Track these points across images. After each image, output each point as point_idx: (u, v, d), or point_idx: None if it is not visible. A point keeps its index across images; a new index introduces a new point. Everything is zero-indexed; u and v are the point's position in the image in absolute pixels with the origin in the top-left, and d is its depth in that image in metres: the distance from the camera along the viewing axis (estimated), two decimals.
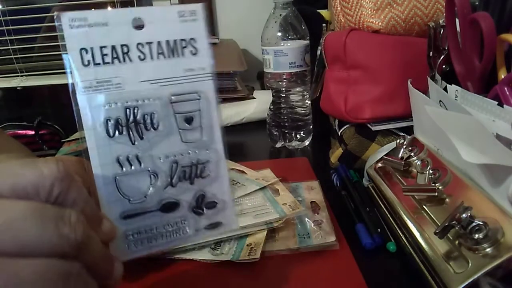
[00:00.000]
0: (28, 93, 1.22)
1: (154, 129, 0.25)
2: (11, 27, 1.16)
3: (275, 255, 0.39)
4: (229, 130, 0.82)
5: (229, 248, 0.39)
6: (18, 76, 1.19)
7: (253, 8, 1.12)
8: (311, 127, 0.69)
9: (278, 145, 0.69)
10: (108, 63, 0.23)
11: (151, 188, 0.25)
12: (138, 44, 0.24)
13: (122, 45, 0.23)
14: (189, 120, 0.25)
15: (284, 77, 0.64)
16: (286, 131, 0.67)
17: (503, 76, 0.34)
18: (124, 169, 0.24)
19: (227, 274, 0.37)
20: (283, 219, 0.41)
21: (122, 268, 0.24)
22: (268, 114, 0.70)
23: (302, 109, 0.67)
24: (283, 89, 0.65)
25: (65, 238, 0.20)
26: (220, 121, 0.26)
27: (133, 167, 0.25)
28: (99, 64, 0.23)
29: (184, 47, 0.25)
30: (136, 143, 0.24)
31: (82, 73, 0.23)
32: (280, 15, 0.62)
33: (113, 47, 0.23)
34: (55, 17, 0.22)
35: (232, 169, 0.54)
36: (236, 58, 0.88)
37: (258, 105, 0.82)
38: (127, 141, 0.24)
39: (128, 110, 0.24)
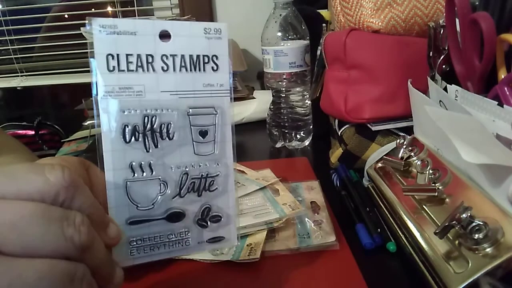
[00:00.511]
0: (28, 93, 1.22)
1: (169, 138, 0.25)
2: (11, 27, 1.16)
3: (275, 255, 0.39)
4: None
5: (229, 248, 0.39)
6: (18, 76, 1.19)
7: (253, 8, 1.12)
8: (311, 127, 0.69)
9: (278, 145, 0.69)
10: (132, 70, 0.24)
11: (159, 197, 0.25)
12: (163, 55, 0.24)
13: (147, 55, 0.24)
14: (203, 133, 0.25)
15: (284, 77, 0.64)
16: (286, 131, 0.67)
17: (503, 76, 0.34)
18: (135, 175, 0.25)
19: (227, 274, 0.37)
20: (283, 219, 0.41)
21: (123, 274, 0.24)
22: (268, 114, 0.70)
23: (302, 109, 0.67)
24: (283, 89, 0.65)
25: (69, 239, 0.20)
26: (233, 137, 0.26)
27: (144, 174, 0.25)
28: (123, 70, 0.24)
29: (206, 62, 0.25)
30: (150, 150, 0.25)
31: (105, 78, 0.24)
32: (280, 15, 0.62)
33: (139, 56, 0.24)
34: (86, 21, 0.23)
35: None
36: (236, 58, 0.88)
37: (258, 105, 0.82)
38: (142, 147, 0.25)
39: (146, 118, 0.24)
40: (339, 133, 0.56)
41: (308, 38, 0.64)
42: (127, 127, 0.24)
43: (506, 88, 0.32)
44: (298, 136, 0.67)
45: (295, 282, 0.35)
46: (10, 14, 1.16)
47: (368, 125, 0.53)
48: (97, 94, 0.24)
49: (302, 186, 0.51)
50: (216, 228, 0.27)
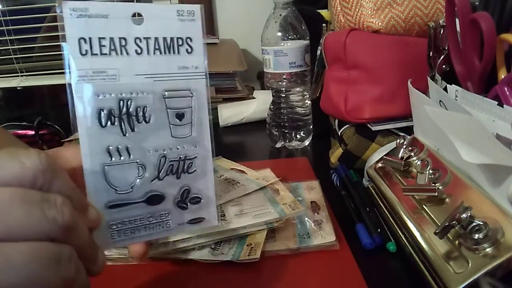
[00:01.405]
0: (28, 93, 1.22)
1: (146, 122, 0.25)
2: (11, 27, 1.16)
3: (275, 255, 0.39)
4: (229, 130, 0.82)
5: (229, 248, 0.39)
6: (18, 76, 1.19)
7: (253, 8, 1.12)
8: (311, 127, 0.69)
9: (278, 145, 0.69)
10: (105, 54, 0.24)
11: (138, 180, 0.25)
12: (136, 38, 0.24)
13: (120, 38, 0.24)
14: (180, 116, 0.26)
15: (284, 77, 0.64)
16: (286, 131, 0.67)
17: (503, 76, 0.34)
18: (113, 159, 0.25)
19: (227, 274, 0.37)
20: (283, 219, 0.41)
21: (105, 256, 0.24)
22: (268, 114, 0.70)
23: (302, 109, 0.67)
24: (283, 89, 0.65)
25: (52, 220, 0.20)
26: (210, 118, 0.26)
27: (122, 158, 0.25)
28: (96, 54, 0.24)
29: (180, 45, 0.25)
30: (127, 134, 0.25)
31: (78, 62, 0.23)
32: (280, 15, 0.62)
33: (111, 39, 0.24)
34: (56, 4, 0.23)
35: (232, 169, 0.54)
36: (236, 58, 0.88)
37: (258, 105, 0.82)
38: (119, 131, 0.25)
39: (121, 101, 0.24)
40: (339, 133, 0.56)
41: (308, 38, 0.64)
42: (103, 111, 0.24)
43: (506, 88, 0.32)
44: (298, 136, 0.67)
45: (295, 282, 0.35)
46: (10, 14, 1.16)
47: (368, 125, 0.53)
48: (70, 79, 0.24)
49: (302, 186, 0.51)
50: (196, 209, 0.27)
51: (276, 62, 0.63)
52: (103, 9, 0.23)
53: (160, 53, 0.25)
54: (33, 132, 0.80)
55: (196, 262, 0.38)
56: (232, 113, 0.82)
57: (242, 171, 0.53)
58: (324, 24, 0.71)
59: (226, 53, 0.91)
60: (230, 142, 0.77)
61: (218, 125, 0.83)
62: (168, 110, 0.25)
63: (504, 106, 0.30)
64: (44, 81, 1.17)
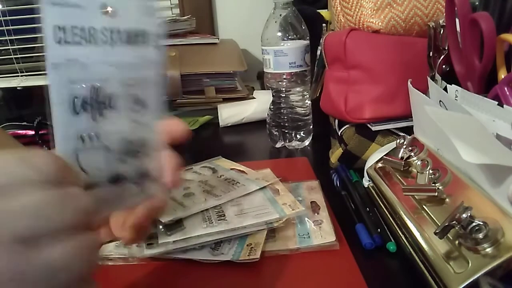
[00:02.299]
0: (28, 93, 1.22)
1: (111, 108, 0.27)
2: (11, 27, 1.16)
3: (275, 255, 0.39)
4: (229, 130, 0.82)
5: (229, 248, 0.39)
6: (18, 76, 1.19)
7: (253, 8, 1.12)
8: (311, 127, 0.69)
9: (278, 145, 0.69)
10: (77, 43, 0.25)
11: (104, 163, 0.27)
12: (103, 28, 0.26)
13: (89, 27, 0.25)
14: (137, 101, 0.28)
15: (284, 77, 0.64)
16: (286, 131, 0.67)
17: (503, 76, 0.34)
18: (84, 144, 0.26)
19: (227, 274, 0.37)
20: (283, 219, 0.41)
21: None
22: (268, 114, 0.70)
23: (302, 109, 0.67)
24: (283, 89, 0.65)
25: (78, 211, 0.21)
26: (163, 104, 0.29)
27: (93, 143, 0.26)
28: (69, 42, 0.25)
29: (140, 36, 0.27)
30: (96, 120, 0.26)
31: (53, 50, 0.24)
32: (280, 15, 0.62)
33: (82, 28, 0.25)
34: None
35: (232, 169, 0.54)
36: (236, 58, 0.88)
37: (258, 105, 0.82)
38: (90, 118, 0.26)
39: (92, 89, 0.26)
40: (339, 133, 0.56)
41: (308, 38, 0.64)
42: (77, 99, 0.25)
43: (506, 88, 0.32)
44: (298, 136, 0.67)
45: (295, 282, 0.35)
46: (10, 14, 1.16)
47: (368, 125, 0.53)
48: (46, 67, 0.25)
49: (302, 186, 0.51)
50: (151, 185, 0.29)
51: (276, 62, 0.63)
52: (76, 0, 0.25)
53: (123, 44, 0.27)
54: (33, 132, 0.80)
55: (196, 262, 0.38)
56: (232, 113, 0.82)
57: (242, 171, 0.53)
58: (324, 24, 0.71)
59: (226, 53, 0.90)
60: (230, 142, 0.77)
61: (218, 125, 0.83)
62: (128, 95, 0.27)
63: (504, 106, 0.30)
64: (44, 81, 1.17)
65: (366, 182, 0.48)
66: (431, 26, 0.43)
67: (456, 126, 0.33)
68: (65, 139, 0.25)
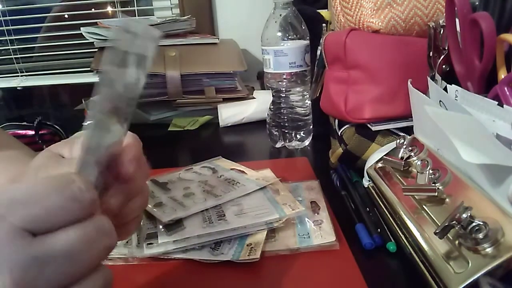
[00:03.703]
0: (28, 93, 1.22)
1: None
2: (11, 27, 1.16)
3: (275, 255, 0.39)
4: (229, 130, 0.82)
5: (229, 248, 0.39)
6: (18, 76, 1.19)
7: (253, 8, 1.12)
8: (311, 127, 0.69)
9: (278, 145, 0.69)
10: None
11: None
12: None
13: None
14: None
15: (284, 77, 0.64)
16: (286, 131, 0.67)
17: (503, 76, 0.34)
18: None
19: (227, 274, 0.37)
20: (283, 219, 0.41)
21: None
22: (268, 114, 0.70)
23: (302, 109, 0.67)
24: (283, 89, 0.65)
25: (81, 199, 0.20)
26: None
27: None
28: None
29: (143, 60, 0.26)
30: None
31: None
32: (280, 15, 0.62)
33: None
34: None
35: (232, 169, 0.54)
36: (236, 58, 0.88)
37: (258, 105, 0.82)
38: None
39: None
40: (339, 133, 0.56)
41: (308, 38, 0.64)
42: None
43: (506, 88, 0.32)
44: (298, 136, 0.67)
45: (295, 282, 0.35)
46: (10, 14, 1.16)
47: (368, 125, 0.53)
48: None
49: (302, 186, 0.51)
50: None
51: (276, 62, 0.63)
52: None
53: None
54: (33, 132, 0.80)
55: (196, 262, 0.38)
56: (232, 113, 0.82)
57: (242, 171, 0.53)
58: (324, 24, 0.71)
59: (226, 53, 0.90)
60: (230, 142, 0.77)
61: (218, 125, 0.83)
62: None
63: (504, 106, 0.30)
64: (44, 81, 1.17)
65: (366, 182, 0.48)
66: (431, 26, 0.43)
67: (456, 126, 0.33)
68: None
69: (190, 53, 0.86)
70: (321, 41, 0.59)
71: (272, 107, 0.68)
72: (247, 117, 0.82)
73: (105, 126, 0.24)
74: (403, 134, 0.49)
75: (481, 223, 0.29)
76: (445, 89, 0.38)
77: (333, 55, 0.56)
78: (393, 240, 0.39)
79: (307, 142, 0.68)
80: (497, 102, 0.30)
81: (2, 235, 0.18)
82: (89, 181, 0.22)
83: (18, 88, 1.18)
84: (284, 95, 0.66)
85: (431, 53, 0.44)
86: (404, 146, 0.42)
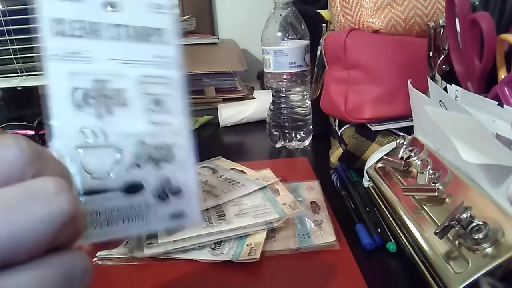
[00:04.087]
0: (28, 93, 1.22)
1: (123, 105, 0.24)
2: (11, 27, 1.16)
3: (275, 255, 0.39)
4: (229, 130, 0.82)
5: (229, 248, 0.39)
6: (18, 76, 1.19)
7: (253, 8, 1.12)
8: (311, 127, 0.69)
9: (278, 145, 0.69)
10: (79, 36, 0.24)
11: (115, 166, 0.24)
12: (108, 25, 0.24)
13: (92, 23, 0.24)
14: (157, 102, 0.25)
15: (284, 77, 0.64)
16: (286, 131, 0.67)
17: (503, 76, 0.34)
18: (89, 141, 0.23)
19: (227, 274, 0.37)
20: (283, 219, 0.41)
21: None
22: (268, 114, 0.70)
23: (302, 109, 0.67)
24: (283, 89, 0.65)
25: (48, 220, 0.15)
26: (188, 109, 0.26)
27: (98, 140, 0.24)
28: (68, 35, 0.23)
29: (151, 35, 0.25)
30: (103, 117, 0.24)
31: (50, 41, 0.23)
32: (280, 15, 0.62)
33: (83, 23, 0.24)
34: None
35: (232, 169, 0.54)
36: (236, 58, 0.88)
37: (258, 105, 0.82)
38: (94, 113, 0.24)
39: (97, 83, 0.24)
40: (339, 133, 0.56)
41: (308, 38, 0.64)
42: (77, 90, 0.23)
43: (506, 88, 0.32)
44: (298, 136, 0.67)
45: (295, 282, 0.35)
46: (10, 14, 1.15)
47: (368, 125, 0.53)
48: (43, 60, 0.23)
49: (302, 186, 0.51)
50: (177, 202, 0.25)
51: (276, 62, 0.63)
52: None
53: (133, 41, 0.25)
54: (33, 132, 0.80)
55: (196, 262, 0.38)
56: (232, 113, 0.82)
57: (242, 171, 0.53)
58: (324, 24, 0.71)
59: (226, 53, 0.90)
60: (230, 142, 0.77)
61: (218, 125, 0.83)
62: (145, 95, 0.25)
63: (504, 106, 0.30)
64: (44, 81, 1.17)
65: (366, 182, 0.48)
66: (431, 26, 0.43)
67: (456, 126, 0.33)
68: (64, 134, 0.23)
69: (190, 53, 0.86)
70: (321, 41, 0.59)
71: (272, 107, 0.68)
72: (247, 117, 0.82)
73: None
74: (403, 134, 0.49)
75: (481, 223, 0.29)
76: (445, 89, 0.38)
77: (333, 55, 0.56)
78: (393, 240, 0.39)
79: (307, 142, 0.68)
80: (497, 102, 0.30)
81: None
82: None
83: (18, 88, 1.18)
84: (284, 95, 0.66)
85: (431, 53, 0.44)
86: (404, 146, 0.42)
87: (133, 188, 0.24)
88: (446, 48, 0.41)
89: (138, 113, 0.25)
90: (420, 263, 0.34)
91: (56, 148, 0.23)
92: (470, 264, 0.28)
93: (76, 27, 0.23)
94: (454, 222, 0.29)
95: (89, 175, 0.24)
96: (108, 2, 0.24)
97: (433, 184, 0.35)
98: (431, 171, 0.37)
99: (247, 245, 0.39)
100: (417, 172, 0.38)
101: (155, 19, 0.25)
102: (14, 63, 1.18)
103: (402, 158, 0.41)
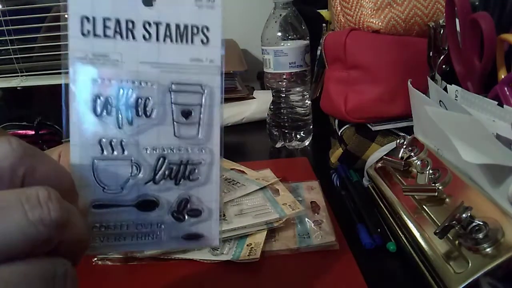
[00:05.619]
0: (28, 93, 1.22)
1: (146, 116, 0.22)
2: (11, 27, 1.16)
3: (275, 255, 0.39)
4: (229, 130, 0.82)
5: (229, 248, 0.39)
6: (18, 76, 1.19)
7: (253, 8, 1.12)
8: (311, 127, 0.69)
9: (278, 145, 0.69)
10: (109, 36, 0.21)
11: (130, 180, 0.23)
12: (145, 22, 0.22)
13: (127, 20, 0.22)
14: (186, 114, 0.23)
15: (284, 77, 0.64)
16: (286, 131, 0.67)
17: (503, 76, 0.34)
18: (105, 153, 0.22)
19: (227, 274, 0.37)
20: (283, 219, 0.41)
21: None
22: (268, 114, 0.70)
23: (302, 109, 0.67)
24: (283, 89, 0.65)
25: (39, 222, 0.16)
26: (221, 121, 0.23)
27: (115, 153, 0.22)
28: (99, 36, 0.21)
29: (195, 34, 0.23)
30: (123, 127, 0.22)
31: (78, 42, 0.21)
32: (280, 15, 0.62)
33: (117, 21, 0.21)
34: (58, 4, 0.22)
35: (232, 169, 0.54)
36: (236, 58, 0.88)
37: (258, 105, 0.82)
38: (114, 123, 0.22)
39: (121, 90, 0.22)
40: (339, 133, 0.56)
41: (308, 38, 0.64)
42: (99, 98, 0.22)
43: (506, 88, 0.32)
44: (298, 136, 0.67)
45: (295, 282, 0.35)
46: (10, 14, 1.15)
47: (368, 125, 0.53)
48: (67, 61, 0.22)
49: (302, 186, 0.51)
50: (195, 223, 0.23)
51: (276, 62, 0.63)
52: None
53: (171, 41, 0.22)
54: (33, 132, 0.80)
55: (196, 262, 0.38)
56: (232, 113, 0.82)
57: (242, 171, 0.53)
58: (324, 24, 0.71)
59: (226, 53, 0.90)
60: (230, 142, 0.77)
61: None
62: (173, 105, 0.22)
63: (504, 106, 0.30)
64: (44, 81, 1.17)
65: (366, 182, 0.48)
66: (431, 26, 0.43)
67: (456, 126, 0.33)
68: (81, 144, 0.22)
69: None
70: (321, 41, 0.59)
71: (272, 107, 0.68)
72: (247, 117, 0.82)
73: None
74: (403, 134, 0.49)
75: (481, 223, 0.29)
76: (445, 89, 0.38)
77: (333, 55, 0.56)
78: (393, 240, 0.39)
79: (307, 142, 0.68)
80: (497, 102, 0.30)
81: None
82: None
83: (18, 88, 1.18)
84: (284, 95, 0.66)
85: (431, 53, 0.44)
86: (404, 146, 0.42)
87: (147, 205, 0.23)
88: (446, 48, 0.41)
89: (162, 125, 0.23)
90: (420, 263, 0.34)
91: (72, 157, 0.22)
92: (470, 264, 0.28)
93: (108, 26, 0.21)
94: (454, 222, 0.29)
95: (101, 188, 0.22)
96: None
97: (433, 184, 0.35)
98: (431, 171, 0.37)
99: (247, 245, 0.39)
100: (417, 172, 0.38)
101: (201, 16, 0.23)
102: (14, 63, 1.18)
103: (402, 158, 0.41)
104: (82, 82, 0.21)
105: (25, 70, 1.19)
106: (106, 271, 0.38)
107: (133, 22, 0.22)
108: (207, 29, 0.23)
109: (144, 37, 0.22)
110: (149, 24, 0.22)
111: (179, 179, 0.23)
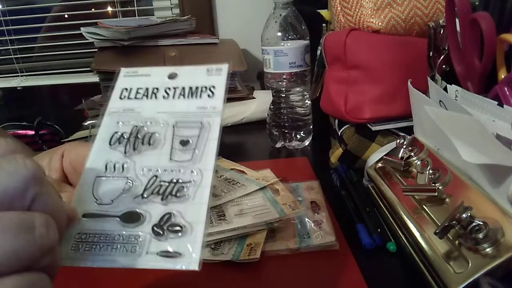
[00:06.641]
0: (28, 93, 1.22)
1: (149, 144, 0.26)
2: (11, 27, 1.16)
3: (275, 255, 0.39)
4: (229, 130, 0.82)
5: (229, 248, 0.39)
6: (18, 76, 1.19)
7: (253, 8, 1.12)
8: (311, 127, 0.69)
9: (278, 145, 0.69)
10: (138, 98, 0.28)
11: (122, 195, 0.25)
12: (167, 88, 0.28)
13: (153, 88, 0.28)
14: (184, 143, 0.26)
15: (284, 77, 0.64)
16: (286, 131, 0.67)
17: (503, 76, 0.34)
18: (107, 172, 0.26)
19: (227, 274, 0.37)
20: (283, 219, 0.41)
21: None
22: (268, 114, 0.70)
23: (302, 109, 0.67)
24: (283, 89, 0.65)
25: (37, 246, 0.18)
26: (216, 152, 0.26)
27: (114, 172, 0.26)
28: (131, 98, 0.28)
29: (203, 91, 0.28)
30: (127, 153, 0.26)
31: (114, 103, 0.28)
32: (280, 15, 0.62)
33: (147, 88, 0.28)
34: (116, 72, 0.28)
35: (232, 169, 0.54)
36: (236, 58, 0.88)
37: (258, 105, 0.82)
38: (122, 150, 0.26)
39: (135, 127, 0.27)
40: (339, 133, 0.56)
41: (308, 38, 0.64)
42: (116, 133, 0.27)
43: (506, 88, 0.32)
44: (298, 136, 0.67)
45: (295, 282, 0.35)
46: (10, 14, 1.16)
47: (368, 125, 0.53)
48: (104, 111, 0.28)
49: (302, 186, 0.51)
50: (174, 239, 0.23)
51: (276, 62, 0.63)
52: (148, 71, 0.29)
53: (184, 97, 0.28)
54: (33, 132, 0.80)
55: None
56: (232, 113, 0.82)
57: (242, 171, 0.53)
58: (324, 24, 0.71)
59: (226, 53, 0.91)
60: (230, 142, 0.77)
61: None
62: (174, 136, 0.27)
63: (504, 106, 0.30)
64: (44, 81, 1.17)
65: (366, 182, 0.48)
66: (431, 26, 0.43)
67: (456, 126, 0.33)
68: (93, 166, 0.26)
69: (190, 53, 0.86)
70: (321, 41, 0.59)
71: (272, 107, 0.68)
72: (247, 117, 0.82)
73: None
74: (403, 134, 0.49)
75: (481, 223, 0.29)
76: (445, 89, 0.38)
77: (333, 55, 0.56)
78: (393, 240, 0.39)
79: (307, 142, 0.68)
80: (497, 102, 0.30)
81: None
82: None
83: (18, 88, 1.18)
84: (284, 95, 0.66)
85: (431, 53, 0.44)
86: (404, 146, 0.42)
87: (130, 217, 0.24)
88: (446, 48, 0.42)
89: (162, 151, 0.26)
90: (420, 263, 0.34)
91: (83, 175, 0.26)
92: (470, 264, 0.28)
93: (139, 93, 0.28)
94: (454, 222, 0.29)
95: (95, 200, 0.25)
96: (172, 72, 0.28)
97: (433, 184, 0.35)
98: (431, 171, 0.37)
99: (247, 245, 0.39)
100: (417, 172, 0.38)
101: (210, 79, 0.28)
102: (14, 63, 1.18)
103: (402, 158, 0.41)
104: (109, 125, 0.27)
105: (25, 70, 1.19)
106: (106, 271, 0.38)
107: (157, 89, 0.28)
108: (214, 87, 0.28)
109: (163, 96, 0.28)
110: (169, 89, 0.28)
111: (167, 195, 0.25)
